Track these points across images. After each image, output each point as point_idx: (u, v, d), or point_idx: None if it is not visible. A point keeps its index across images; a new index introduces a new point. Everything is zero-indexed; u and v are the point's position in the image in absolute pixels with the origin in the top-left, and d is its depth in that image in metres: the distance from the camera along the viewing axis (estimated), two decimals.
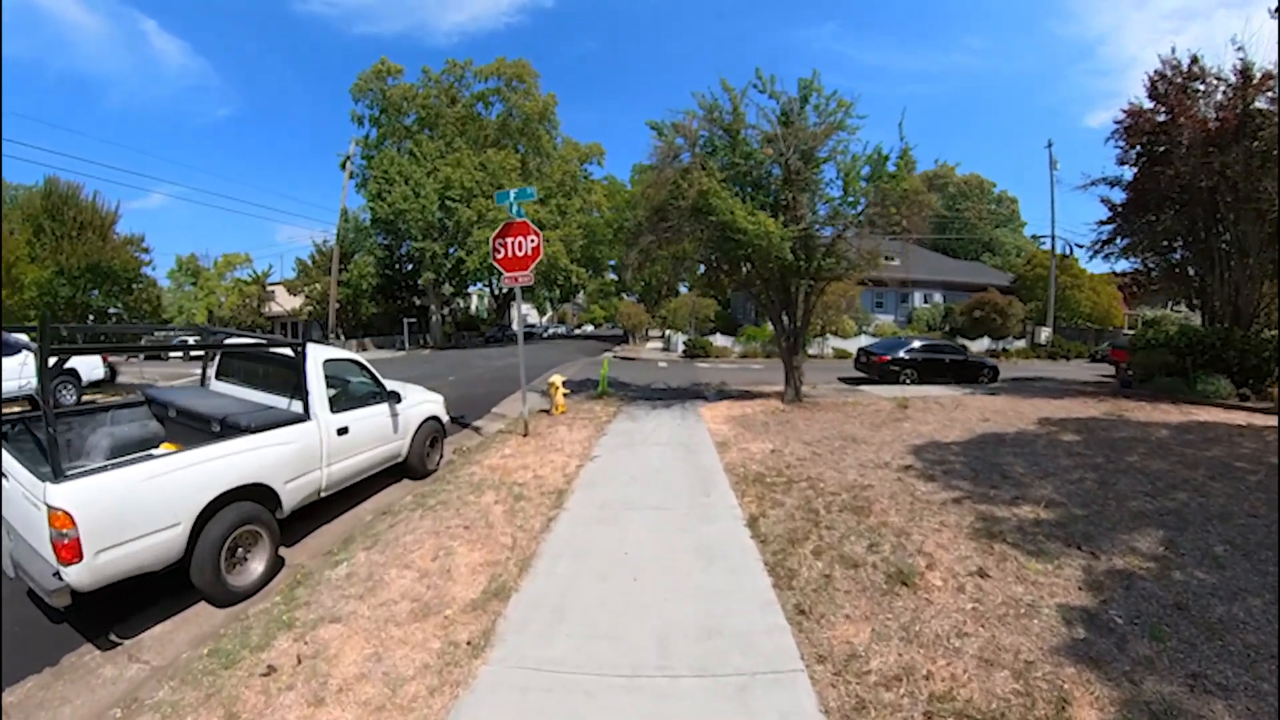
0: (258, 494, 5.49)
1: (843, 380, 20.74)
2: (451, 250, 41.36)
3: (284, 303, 52.53)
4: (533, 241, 9.76)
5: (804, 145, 12.23)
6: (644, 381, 18.69)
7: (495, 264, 10.15)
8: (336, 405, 7.14)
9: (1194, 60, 16.42)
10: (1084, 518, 6.12)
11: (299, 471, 6.25)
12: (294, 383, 6.67)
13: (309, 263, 46.72)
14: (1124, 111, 17.39)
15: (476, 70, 45.37)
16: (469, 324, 63.06)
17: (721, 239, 12.22)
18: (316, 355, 7.02)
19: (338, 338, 44.48)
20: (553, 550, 5.33)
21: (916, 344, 21.21)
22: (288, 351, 6.81)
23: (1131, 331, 42.41)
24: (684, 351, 30.48)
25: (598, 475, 7.52)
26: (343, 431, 7.01)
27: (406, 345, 43.81)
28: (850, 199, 12.17)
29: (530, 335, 65.00)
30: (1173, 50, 16.79)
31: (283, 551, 5.89)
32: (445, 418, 9.46)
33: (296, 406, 6.59)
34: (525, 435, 10.21)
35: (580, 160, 50.43)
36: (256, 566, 5.32)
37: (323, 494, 6.71)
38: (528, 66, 45.92)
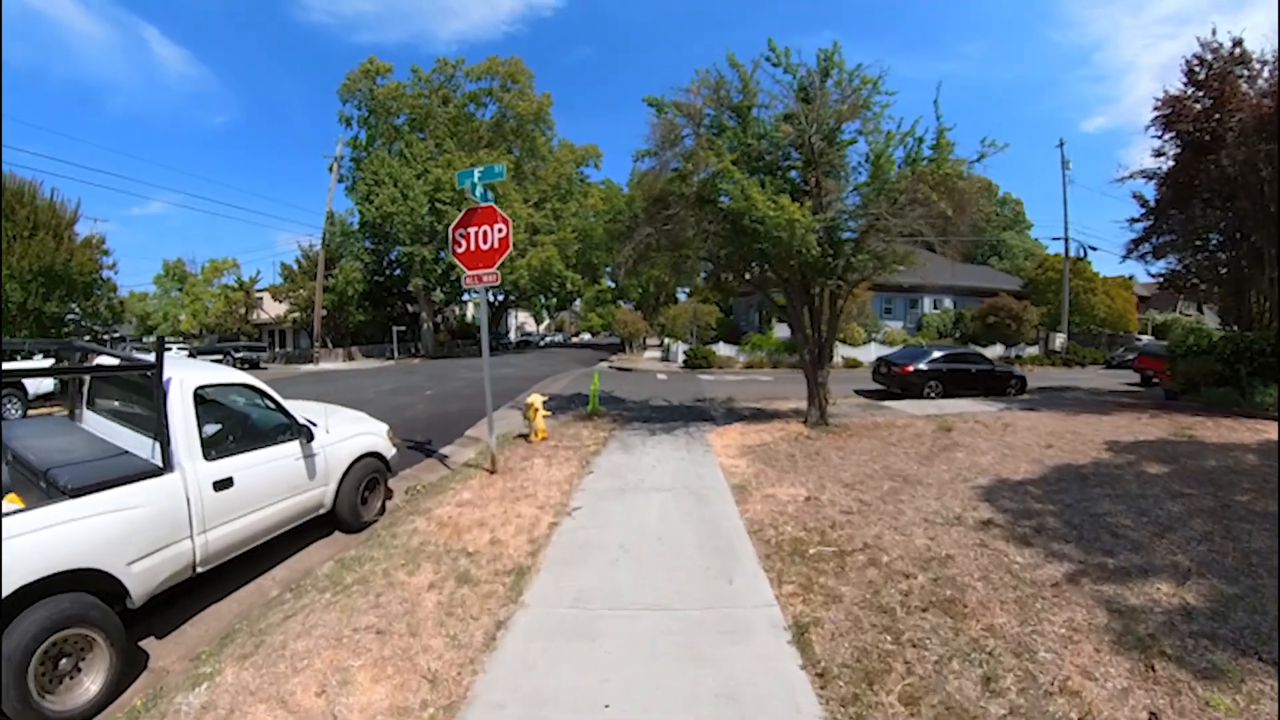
0: (87, 581, 3.89)
1: (860, 393, 18.79)
2: (442, 255, 39.51)
3: (271, 310, 50.73)
4: (500, 231, 7.84)
5: (828, 122, 10.37)
6: (641, 397, 16.73)
7: (455, 260, 8.23)
8: (218, 448, 5.31)
9: (1237, 43, 14.84)
10: (1239, 599, 4.43)
11: (155, 545, 4.49)
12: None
13: (294, 268, 44.73)
14: (1160, 100, 15.95)
15: (468, 70, 43.71)
16: (465, 332, 61.20)
17: (732, 232, 10.31)
18: (183, 381, 5.07)
19: (324, 346, 42.59)
20: (491, 695, 3.36)
21: (939, 353, 19.33)
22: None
23: (1145, 337, 41.02)
24: (685, 361, 28.51)
25: (575, 543, 5.53)
26: (224, 485, 5.15)
27: (396, 354, 41.84)
28: (884, 183, 10.26)
29: (526, 344, 63.22)
30: (1212, 32, 15.21)
31: (151, 645, 4.51)
32: (390, 451, 7.56)
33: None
34: (493, 472, 8.26)
35: (576, 163, 48.70)
36: (91, 683, 3.74)
37: (199, 569, 4.87)
38: (521, 65, 44.23)
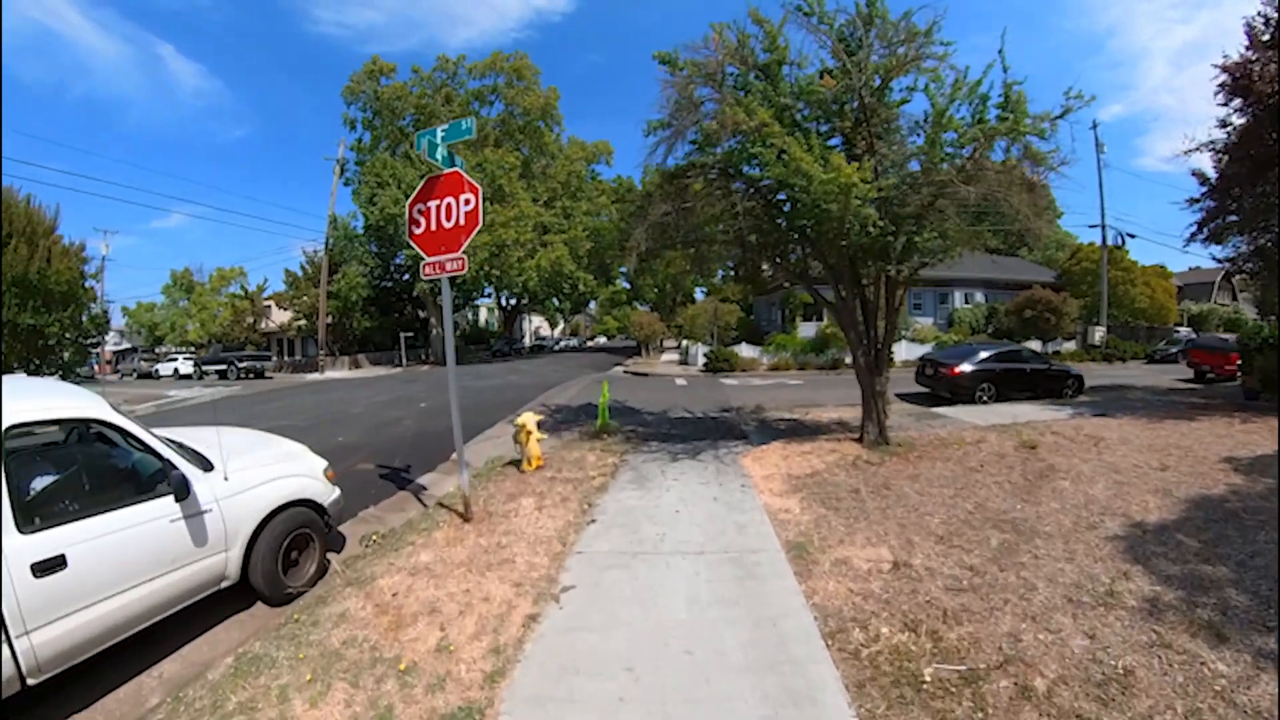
0: None
1: (902, 398, 16.70)
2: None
3: (279, 318, 49.66)
4: (467, 203, 5.98)
5: (875, 76, 8.42)
6: (659, 407, 14.80)
7: (412, 243, 6.38)
8: (44, 513, 3.78)
9: None
10: None
11: None
12: None
13: (299, 274, 43.43)
14: (1221, 67, 14.11)
15: (470, 67, 42.01)
16: (476, 337, 59.76)
17: (766, 209, 8.40)
18: None
19: (330, 354, 41.18)
20: None
21: (988, 351, 17.18)
22: None
23: (1184, 329, 38.47)
24: (705, 365, 26.46)
25: (558, 659, 3.58)
26: (51, 566, 3.59)
27: (404, 361, 40.26)
28: (950, 144, 8.27)
29: (540, 348, 61.57)
30: None
31: None
32: (328, 496, 5.77)
33: None
34: (466, 519, 6.39)
35: (587, 160, 46.86)
36: None
37: (31, 682, 3.48)
38: (527, 61, 42.49)
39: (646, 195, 9.01)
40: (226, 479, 4.93)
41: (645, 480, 7.26)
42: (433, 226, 6.18)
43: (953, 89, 8.32)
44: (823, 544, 5.23)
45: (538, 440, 8.02)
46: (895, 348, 30.27)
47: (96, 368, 53.93)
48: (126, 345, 63.88)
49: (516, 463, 8.40)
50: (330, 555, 6.36)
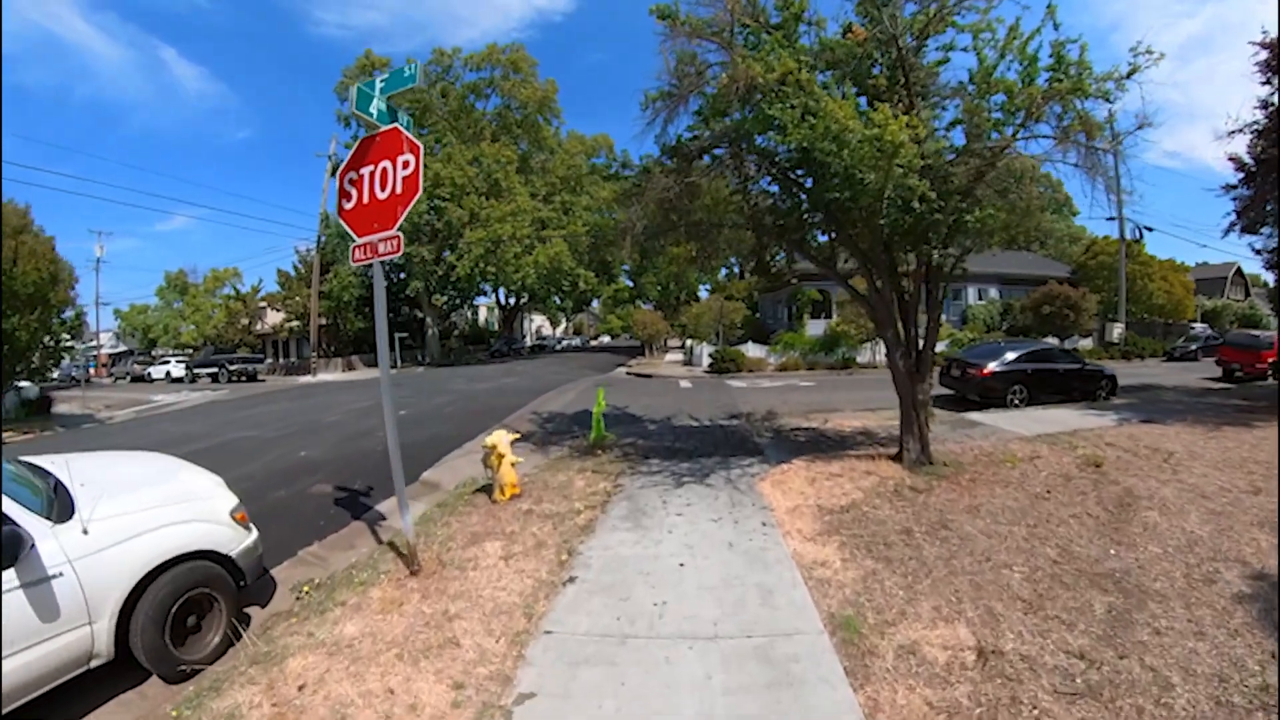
0: None
1: None
2: (444, 255, 36.60)
3: (273, 319, 48.45)
4: (406, 166, 4.64)
5: (910, 32, 7.09)
6: (661, 413, 13.43)
7: (341, 221, 5.04)
8: None
9: None
10: None
11: None
12: None
13: (291, 274, 42.18)
14: (1261, 44, 13.22)
15: (466, 58, 40.62)
16: (477, 337, 58.51)
17: (784, 185, 7.07)
18: None
19: (323, 356, 39.94)
20: None
21: (1018, 350, 15.77)
22: None
23: (1199, 325, 36.95)
24: (710, 365, 25.06)
25: None
26: None
27: (399, 362, 38.94)
28: (1000, 108, 6.93)
29: (541, 348, 60.19)
30: None
31: None
32: (237, 544, 4.55)
33: None
34: (413, 572, 5.06)
35: (587, 154, 45.40)
36: None
37: None
38: (524, 53, 41.09)
39: (644, 171, 7.65)
40: (86, 531, 3.70)
41: (643, 515, 5.88)
42: (365, 199, 4.85)
43: (1005, 40, 6.97)
44: (879, 619, 3.87)
45: (513, 464, 6.66)
46: None
47: (93, 370, 53.04)
48: (123, 348, 62.92)
49: (487, 490, 7.05)
50: (254, 608, 5.13)
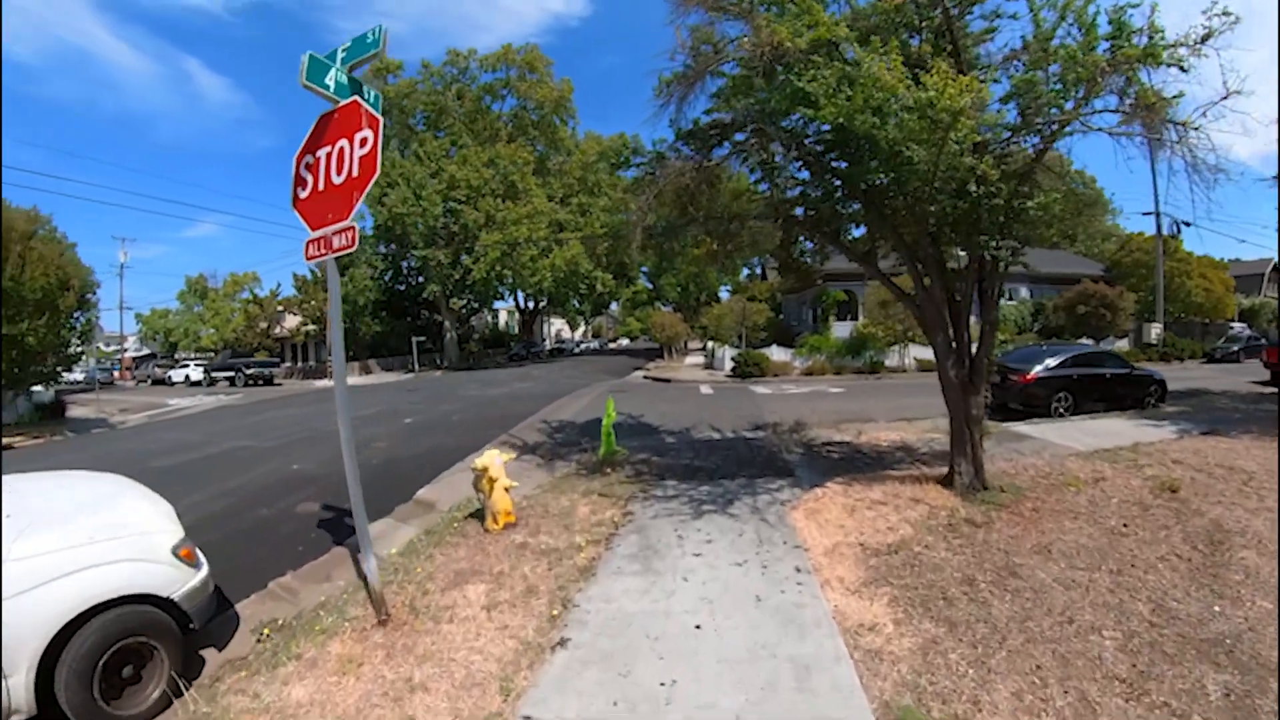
0: None
1: None
2: (460, 258, 36.07)
3: (291, 323, 48.40)
4: (363, 144, 3.84)
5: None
6: (680, 424, 12.56)
7: (297, 213, 4.26)
8: None
9: None
10: None
11: None
12: None
13: (307, 278, 41.98)
14: None
15: (482, 59, 40.12)
16: (496, 341, 58.08)
17: (816, 167, 6.18)
18: None
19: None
20: None
21: (1060, 355, 14.55)
22: None
23: (1237, 324, 35.09)
24: (733, 369, 24.09)
25: None
26: None
27: (416, 366, 38.48)
28: (1056, 78, 5.97)
29: (560, 351, 59.57)
30: None
31: None
32: (182, 584, 3.98)
33: None
34: (380, 622, 4.28)
35: (604, 155, 44.67)
36: None
37: None
38: (539, 53, 40.50)
39: (658, 158, 6.80)
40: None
41: (654, 554, 5.01)
42: (320, 185, 4.08)
43: (1064, 3, 6.04)
44: (946, 713, 2.96)
45: (507, 488, 5.83)
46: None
47: (117, 374, 53.54)
48: (146, 352, 63.57)
49: (478, 516, 6.23)
50: (210, 650, 4.47)
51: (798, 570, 4.52)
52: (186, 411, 22.19)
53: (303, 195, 4.21)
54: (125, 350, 63.67)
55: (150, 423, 19.88)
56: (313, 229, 4.07)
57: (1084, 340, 30.39)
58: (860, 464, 8.14)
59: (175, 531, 4.19)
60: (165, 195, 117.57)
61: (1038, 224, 6.46)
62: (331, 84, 4.10)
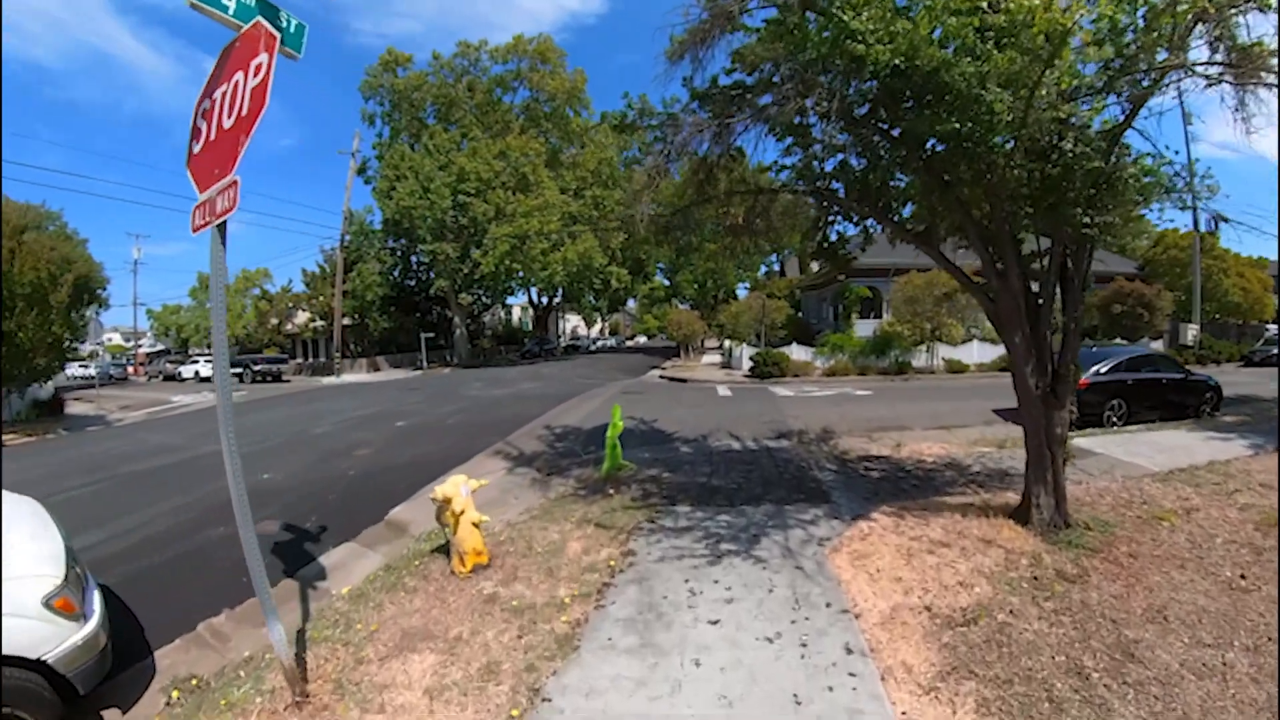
0: None
1: (1000, 415, 13.05)
2: (470, 252, 35.14)
3: (301, 319, 47.86)
4: (257, 73, 2.74)
5: None
6: (696, 430, 11.41)
7: (189, 174, 3.17)
8: None
9: None
10: None
11: None
12: None
13: (317, 273, 41.32)
14: None
15: (493, 50, 39.08)
16: (510, 337, 57.17)
17: (864, 130, 5.02)
18: None
19: (347, 356, 38.94)
20: None
21: (1111, 359, 13.16)
22: None
23: (1273, 327, 33.17)
24: (751, 369, 22.83)
25: None
26: None
27: (425, 363, 37.58)
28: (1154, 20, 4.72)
29: (574, 349, 58.53)
30: None
31: None
32: (55, 645, 3.19)
33: None
34: (296, 702, 3.21)
35: (620, 147, 43.50)
36: None
37: None
38: (551, 43, 39.41)
39: (670, 120, 5.66)
40: None
41: (657, 617, 3.85)
42: (212, 134, 3.00)
43: None
44: None
45: (476, 523, 4.71)
46: (965, 349, 26.00)
47: (131, 369, 53.41)
48: (161, 347, 63.52)
49: (445, 550, 5.12)
50: (113, 711, 3.66)
51: (848, 651, 3.35)
52: (188, 409, 21.42)
53: (196, 150, 3.14)
54: (140, 346, 63.76)
55: (148, 420, 19.08)
56: (200, 190, 3.00)
57: (1118, 341, 28.89)
58: (906, 486, 6.94)
59: (51, 577, 3.27)
60: (189, 194, 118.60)
61: (1130, 197, 5.23)
62: (230, 3, 3.01)
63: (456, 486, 4.63)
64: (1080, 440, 10.08)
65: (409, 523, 6.78)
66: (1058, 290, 5.34)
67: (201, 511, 7.66)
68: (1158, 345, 30.00)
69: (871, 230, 6.04)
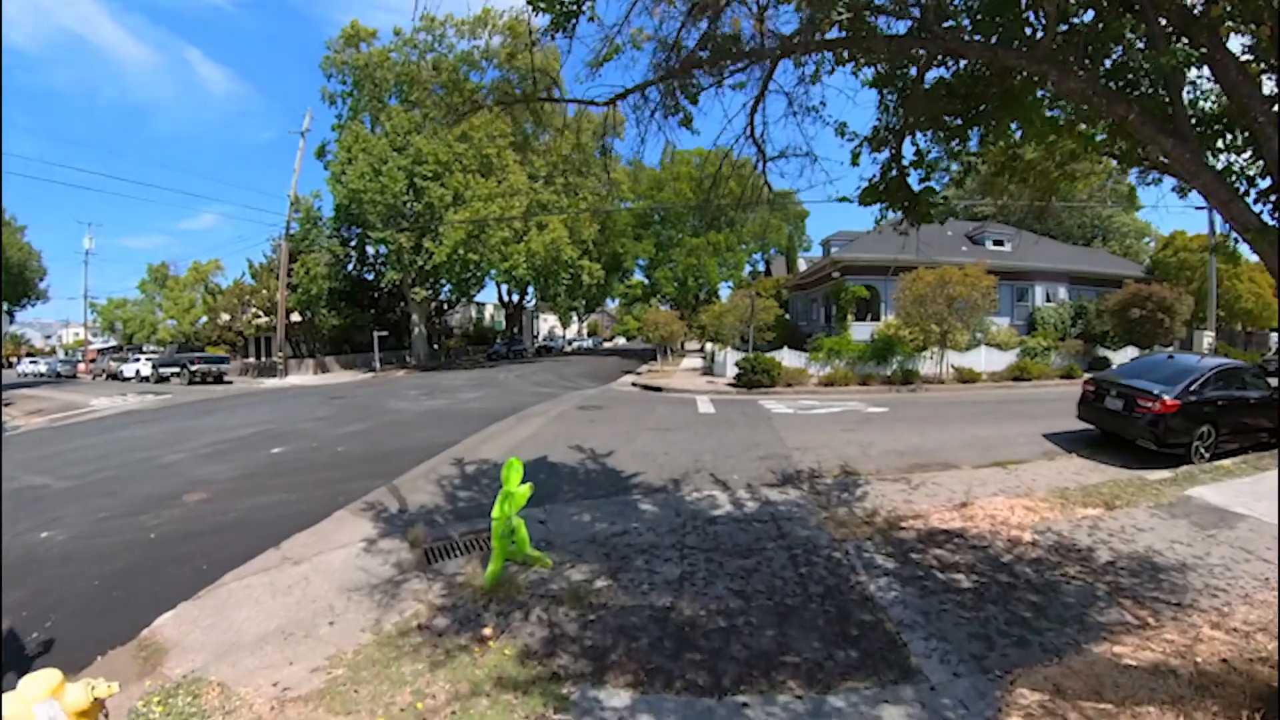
0: None
1: (1053, 440, 10.21)
2: (426, 242, 31.79)
3: (250, 315, 44.09)
4: None
5: None
6: (663, 471, 8.33)
7: None
8: None
9: None
10: None
11: None
12: None
13: (264, 265, 37.69)
14: None
15: (459, 23, 35.72)
16: (480, 337, 53.78)
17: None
18: None
19: (294, 355, 35.41)
20: None
21: (1198, 375, 10.27)
22: None
23: (1276, 334, 31.44)
24: (737, 377, 19.73)
25: None
26: None
27: (378, 365, 34.03)
28: None
29: (547, 350, 55.27)
30: None
31: None
32: None
33: None
34: None
35: (595, 133, 40.27)
36: None
37: None
38: (522, 16, 36.07)
39: None
40: None
41: None
42: None
43: None
44: None
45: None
46: (974, 354, 22.95)
47: (81, 366, 49.19)
48: (113, 344, 59.34)
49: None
50: None
51: None
52: (98, 414, 17.93)
53: None
54: (91, 343, 59.76)
55: (42, 429, 15.36)
56: None
57: (1129, 348, 26.81)
58: (1023, 609, 3.87)
59: None
60: (166, 185, 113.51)
61: None
62: None
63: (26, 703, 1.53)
64: (1206, 493, 7.19)
65: (171, 648, 3.68)
66: None
67: None
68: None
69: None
